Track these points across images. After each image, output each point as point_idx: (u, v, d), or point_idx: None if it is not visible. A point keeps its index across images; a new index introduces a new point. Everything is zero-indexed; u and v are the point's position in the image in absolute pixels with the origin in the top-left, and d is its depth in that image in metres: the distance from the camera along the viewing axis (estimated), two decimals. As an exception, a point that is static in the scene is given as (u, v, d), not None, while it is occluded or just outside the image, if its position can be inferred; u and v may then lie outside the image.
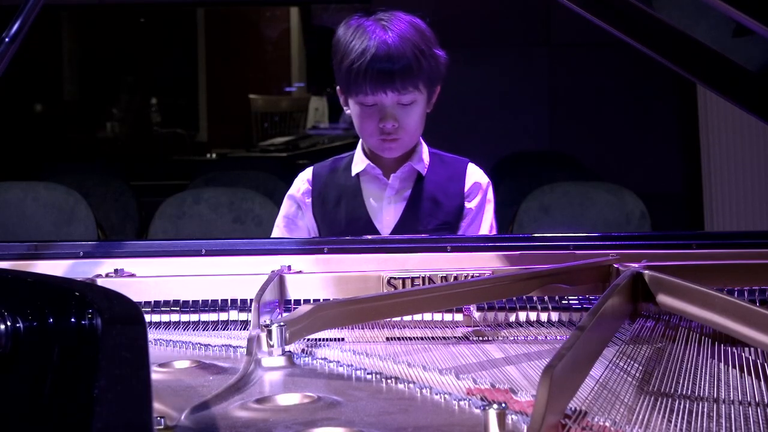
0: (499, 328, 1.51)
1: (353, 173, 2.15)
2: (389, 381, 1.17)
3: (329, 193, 2.16)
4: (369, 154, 2.15)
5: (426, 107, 2.10)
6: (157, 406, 1.05)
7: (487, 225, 2.16)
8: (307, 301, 1.57)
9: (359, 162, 2.15)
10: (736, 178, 4.66)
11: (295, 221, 2.19)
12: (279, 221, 2.21)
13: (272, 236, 2.22)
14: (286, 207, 2.21)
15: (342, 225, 2.13)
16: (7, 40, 1.63)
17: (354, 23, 2.06)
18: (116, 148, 9.45)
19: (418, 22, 2.07)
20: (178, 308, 1.58)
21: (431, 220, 2.11)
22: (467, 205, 2.15)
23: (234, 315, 1.57)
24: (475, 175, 2.18)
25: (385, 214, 2.13)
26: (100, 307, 1.04)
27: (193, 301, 1.59)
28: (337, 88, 2.13)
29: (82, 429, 0.84)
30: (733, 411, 1.06)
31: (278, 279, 1.59)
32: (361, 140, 2.17)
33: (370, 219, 2.13)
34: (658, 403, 1.09)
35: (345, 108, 2.14)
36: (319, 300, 1.58)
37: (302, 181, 2.20)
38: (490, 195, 2.19)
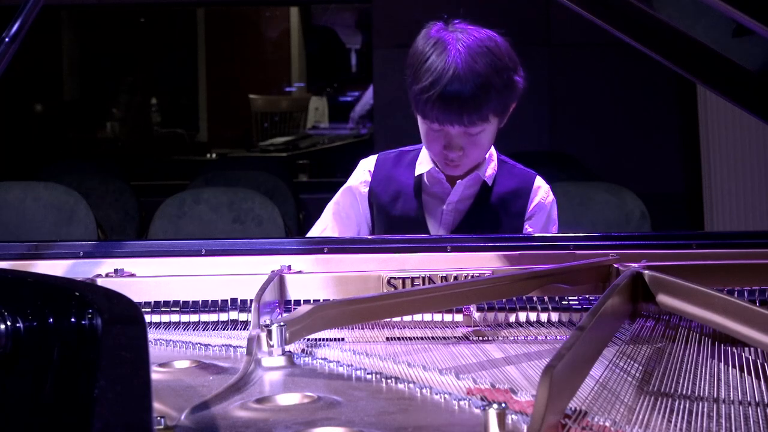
0: (499, 328, 1.51)
1: (417, 173, 2.10)
2: (389, 381, 1.17)
3: (389, 186, 2.11)
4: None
5: (497, 129, 2.04)
6: (157, 406, 1.05)
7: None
8: (307, 301, 1.57)
9: (424, 162, 2.09)
10: (736, 178, 4.67)
11: (346, 210, 2.14)
12: (330, 205, 2.16)
13: (319, 220, 2.17)
14: (340, 195, 2.16)
15: (395, 221, 2.08)
16: (7, 40, 1.63)
17: (433, 35, 1.98)
18: (116, 148, 9.46)
19: (497, 44, 1.99)
20: (178, 308, 1.58)
21: (488, 232, 2.05)
22: (527, 226, 2.10)
23: (234, 315, 1.56)
24: (540, 193, 2.12)
25: (444, 220, 2.08)
26: (100, 307, 1.04)
27: (193, 301, 1.59)
28: (410, 96, 2.03)
29: (82, 429, 0.84)
30: (733, 411, 1.06)
31: (278, 279, 1.59)
32: None
33: (425, 221, 2.09)
34: (658, 403, 1.09)
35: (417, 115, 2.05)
36: (319, 300, 1.58)
37: (363, 171, 2.15)
38: (554, 215, 2.14)
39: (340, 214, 2.15)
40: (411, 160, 2.12)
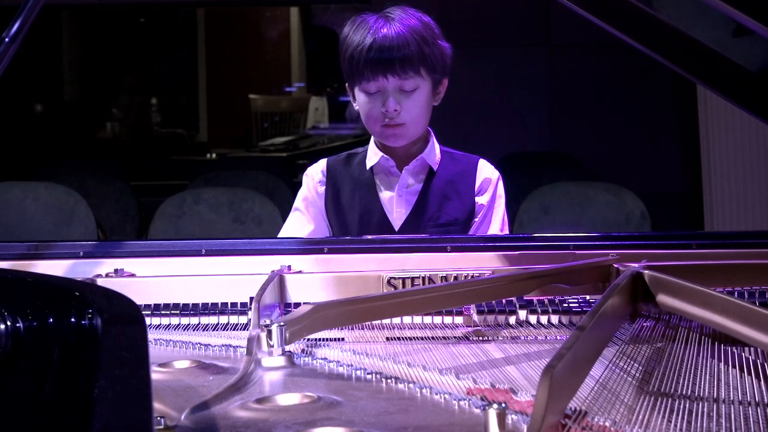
0: (499, 328, 1.51)
1: (367, 166, 2.16)
2: (389, 381, 1.17)
3: (344, 185, 2.18)
4: (382, 147, 2.17)
5: (431, 98, 2.11)
6: (157, 406, 1.05)
7: (498, 220, 2.17)
8: (307, 302, 1.57)
9: (373, 155, 2.17)
10: (736, 178, 4.66)
11: (314, 203, 2.20)
12: (299, 204, 2.21)
13: (286, 223, 2.24)
14: (303, 191, 2.21)
15: (356, 218, 2.14)
16: (7, 40, 1.63)
17: (359, 19, 2.09)
18: (116, 148, 9.45)
19: (422, 15, 2.10)
20: (178, 308, 1.58)
21: (441, 215, 2.12)
22: (478, 201, 2.16)
23: (234, 315, 1.56)
24: (485, 170, 2.19)
25: (397, 207, 2.14)
26: (100, 307, 1.04)
27: (192, 301, 1.59)
28: (346, 84, 2.15)
29: (82, 429, 0.84)
30: (733, 411, 1.06)
31: (278, 279, 1.59)
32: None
33: (384, 212, 2.14)
34: (658, 403, 1.09)
35: (354, 104, 2.15)
36: (319, 300, 1.57)
37: (316, 171, 2.21)
38: (501, 190, 2.20)
39: (310, 208, 2.20)
40: (361, 158, 2.20)
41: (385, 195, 2.16)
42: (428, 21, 2.10)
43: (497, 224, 2.17)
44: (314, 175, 2.21)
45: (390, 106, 2.05)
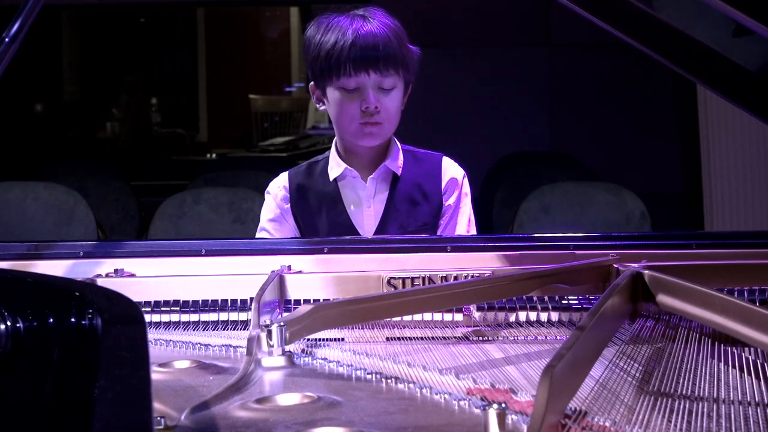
0: (499, 328, 1.51)
1: (331, 178, 2.12)
2: (389, 381, 1.17)
3: (308, 199, 2.13)
4: (344, 156, 2.13)
5: (402, 100, 2.09)
6: (157, 406, 1.05)
7: (465, 219, 2.14)
8: (307, 301, 1.57)
9: (335, 166, 2.12)
10: (736, 178, 4.66)
11: (280, 221, 2.15)
12: (265, 224, 2.16)
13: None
14: (268, 211, 2.16)
15: (325, 231, 2.10)
16: (7, 40, 1.63)
17: (328, 20, 2.06)
18: (116, 148, 9.45)
19: (392, 18, 2.09)
20: (178, 308, 1.58)
21: (410, 221, 2.10)
22: (445, 202, 2.13)
23: (234, 315, 1.57)
24: (450, 170, 2.16)
25: (366, 217, 2.11)
26: (100, 307, 1.04)
27: (193, 301, 1.59)
28: (311, 84, 2.11)
29: (82, 429, 0.84)
30: (733, 411, 1.06)
31: (278, 279, 1.59)
32: (335, 141, 2.14)
33: (353, 224, 2.10)
34: (658, 403, 1.09)
35: (318, 105, 2.11)
36: (319, 300, 1.58)
37: (278, 188, 2.16)
38: (467, 188, 2.17)
39: (278, 227, 2.15)
40: (322, 169, 2.14)
41: (352, 207, 2.12)
42: (398, 24, 2.08)
43: (463, 224, 2.14)
44: (277, 192, 2.15)
45: (371, 102, 2.01)
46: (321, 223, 2.11)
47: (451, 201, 2.14)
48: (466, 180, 2.17)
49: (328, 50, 2.01)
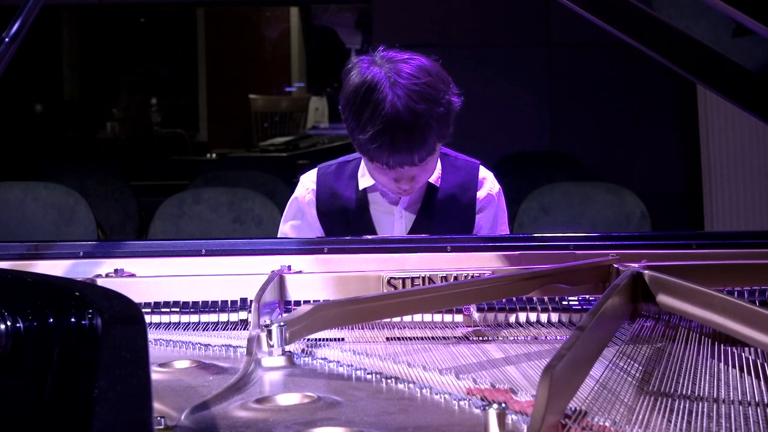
0: (499, 328, 1.51)
1: (361, 186, 2.06)
2: (389, 381, 1.17)
3: (334, 202, 2.08)
4: None
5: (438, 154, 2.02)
6: (157, 406, 1.05)
7: (501, 231, 2.13)
8: (307, 301, 1.57)
9: (367, 176, 2.06)
10: (736, 178, 4.66)
11: (302, 228, 2.11)
12: (286, 229, 2.13)
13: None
14: (292, 214, 2.13)
15: (348, 235, 2.05)
16: (7, 40, 1.63)
17: (368, 79, 1.91)
18: (116, 148, 9.45)
19: (428, 73, 1.93)
20: (178, 308, 1.58)
21: (442, 232, 2.03)
22: (479, 218, 2.09)
23: (234, 315, 1.56)
24: (487, 184, 2.10)
25: (397, 226, 2.06)
26: (100, 307, 1.04)
27: (193, 301, 1.59)
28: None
29: (82, 429, 0.84)
30: (733, 411, 1.06)
31: (278, 279, 1.59)
32: None
33: (377, 232, 2.06)
34: (658, 403, 1.09)
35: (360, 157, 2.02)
36: (319, 300, 1.57)
37: (306, 189, 2.11)
38: (502, 203, 2.13)
39: (302, 228, 2.11)
40: (352, 172, 2.09)
41: (380, 217, 2.07)
42: (438, 78, 1.93)
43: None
44: (305, 195, 2.10)
45: (405, 186, 1.96)
46: (345, 227, 2.07)
47: (485, 219, 2.10)
48: (501, 196, 2.13)
49: (365, 141, 1.90)
